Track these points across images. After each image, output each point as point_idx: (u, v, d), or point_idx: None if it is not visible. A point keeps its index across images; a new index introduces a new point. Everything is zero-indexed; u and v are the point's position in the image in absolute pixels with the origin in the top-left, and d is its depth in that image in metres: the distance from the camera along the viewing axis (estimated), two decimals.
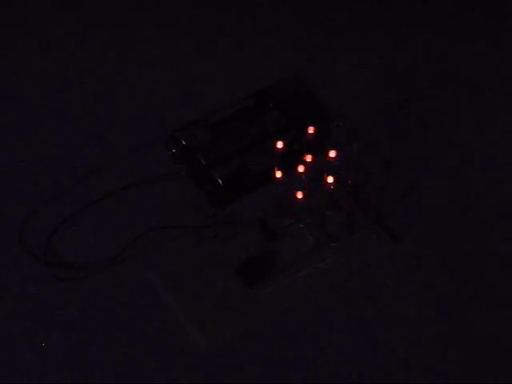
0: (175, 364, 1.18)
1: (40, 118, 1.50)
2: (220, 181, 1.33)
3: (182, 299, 1.24)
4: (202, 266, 1.28)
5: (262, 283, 1.26)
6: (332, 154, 1.31)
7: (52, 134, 1.47)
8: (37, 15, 1.70)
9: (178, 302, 1.24)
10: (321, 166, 1.34)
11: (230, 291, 1.25)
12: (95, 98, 1.54)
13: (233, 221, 1.33)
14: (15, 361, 1.19)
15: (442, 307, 1.25)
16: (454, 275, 1.28)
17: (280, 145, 1.31)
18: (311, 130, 1.34)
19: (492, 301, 1.26)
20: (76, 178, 1.39)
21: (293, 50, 1.64)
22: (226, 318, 1.22)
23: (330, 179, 1.33)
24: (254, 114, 1.43)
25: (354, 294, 1.26)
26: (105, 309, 1.24)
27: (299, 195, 1.31)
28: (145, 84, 1.57)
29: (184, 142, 1.38)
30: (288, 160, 1.37)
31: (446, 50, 1.65)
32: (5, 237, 1.32)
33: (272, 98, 1.45)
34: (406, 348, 1.21)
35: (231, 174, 1.34)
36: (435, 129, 1.49)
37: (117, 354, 1.19)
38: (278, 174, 1.32)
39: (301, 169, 1.31)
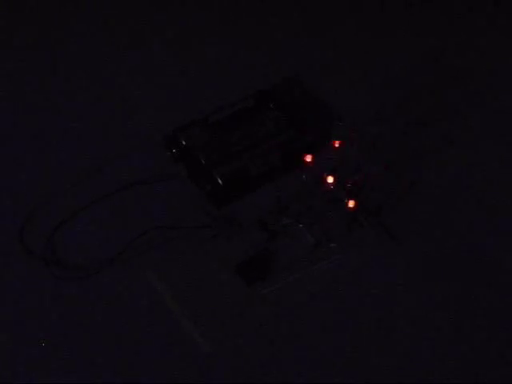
0: (175, 364, 1.18)
1: (40, 118, 1.50)
2: (220, 181, 1.33)
3: (182, 299, 1.24)
4: (202, 266, 1.28)
5: (262, 283, 1.26)
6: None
7: (52, 134, 1.47)
8: (33, 14, 1.71)
9: (178, 301, 1.24)
10: (321, 166, 1.34)
11: (230, 291, 1.25)
12: (95, 98, 1.54)
13: (233, 221, 1.33)
14: (15, 361, 1.19)
15: (442, 307, 1.25)
16: (453, 275, 1.28)
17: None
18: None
19: (492, 300, 1.26)
20: (76, 178, 1.39)
21: (293, 50, 1.64)
22: (226, 318, 1.22)
23: (330, 179, 1.33)
24: (254, 113, 1.43)
25: (354, 293, 1.26)
26: (105, 309, 1.24)
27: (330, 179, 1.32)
28: (145, 84, 1.57)
29: (184, 142, 1.38)
30: (288, 160, 1.38)
31: (446, 49, 1.66)
32: (5, 237, 1.32)
33: (272, 98, 1.45)
34: (406, 347, 1.21)
35: (231, 174, 1.34)
36: (435, 128, 1.49)
37: (116, 353, 1.19)
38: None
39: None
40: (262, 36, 1.68)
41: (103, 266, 1.28)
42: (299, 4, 1.74)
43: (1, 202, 1.37)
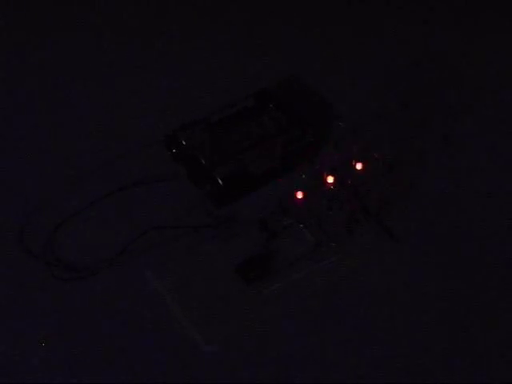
0: (175, 364, 1.18)
1: (39, 118, 1.50)
2: (220, 181, 1.33)
3: (181, 299, 1.24)
4: (202, 265, 1.28)
5: (262, 283, 1.26)
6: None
7: (52, 134, 1.47)
8: (32, 13, 1.71)
9: (178, 301, 1.24)
10: (321, 166, 1.34)
11: (230, 291, 1.25)
12: (95, 97, 1.54)
13: (233, 221, 1.33)
14: (15, 361, 1.19)
15: (442, 307, 1.25)
16: (454, 275, 1.28)
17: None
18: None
19: (492, 301, 1.26)
20: (76, 177, 1.39)
21: (293, 49, 1.64)
22: (226, 318, 1.22)
23: (330, 179, 1.33)
24: (254, 113, 1.43)
25: (354, 294, 1.26)
26: (105, 309, 1.24)
27: (299, 195, 1.31)
28: (145, 84, 1.57)
29: (184, 142, 1.38)
30: (288, 160, 1.38)
31: (445, 50, 1.66)
32: (5, 237, 1.32)
33: (272, 98, 1.45)
34: (406, 347, 1.21)
35: (231, 173, 1.34)
36: (435, 128, 1.49)
37: (116, 353, 1.19)
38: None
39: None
40: (262, 35, 1.68)
41: (103, 266, 1.28)
42: (299, 4, 1.74)
43: (1, 202, 1.37)
